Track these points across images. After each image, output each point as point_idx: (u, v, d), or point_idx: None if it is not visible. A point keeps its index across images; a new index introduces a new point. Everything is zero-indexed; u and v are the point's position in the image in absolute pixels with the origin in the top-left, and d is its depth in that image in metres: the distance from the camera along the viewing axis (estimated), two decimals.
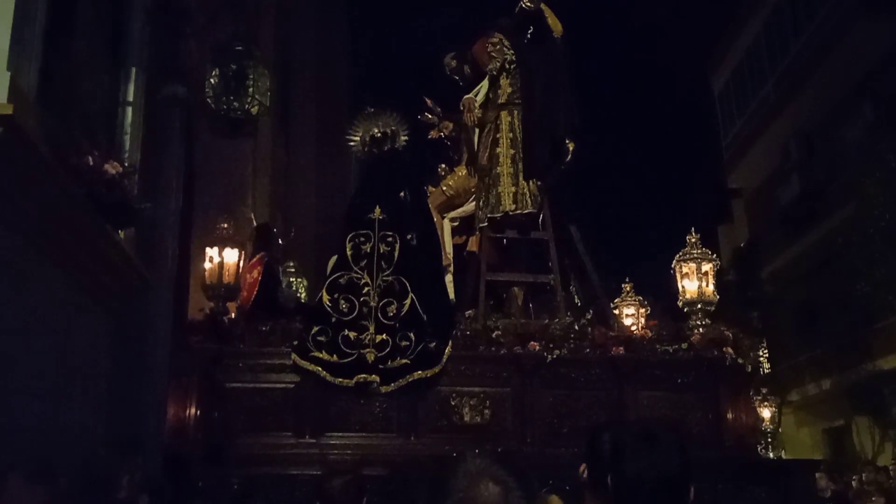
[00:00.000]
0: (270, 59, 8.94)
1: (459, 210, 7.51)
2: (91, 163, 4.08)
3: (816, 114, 16.15)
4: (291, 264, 9.11)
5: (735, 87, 20.39)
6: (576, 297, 7.44)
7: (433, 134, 7.92)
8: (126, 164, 4.58)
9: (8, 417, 3.39)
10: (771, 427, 15.43)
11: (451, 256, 7.28)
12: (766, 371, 17.54)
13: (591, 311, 6.67)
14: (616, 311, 7.73)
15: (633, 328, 7.03)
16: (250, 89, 6.03)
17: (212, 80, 5.98)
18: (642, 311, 7.82)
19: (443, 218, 7.40)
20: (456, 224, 7.55)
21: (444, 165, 7.79)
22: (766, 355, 17.54)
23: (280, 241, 7.60)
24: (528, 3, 7.26)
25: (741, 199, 20.92)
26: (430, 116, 7.90)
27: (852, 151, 14.65)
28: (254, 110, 6.12)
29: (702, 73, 22.44)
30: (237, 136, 6.71)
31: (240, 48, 5.98)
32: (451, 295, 7.03)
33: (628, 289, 7.95)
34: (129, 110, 5.26)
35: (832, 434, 15.97)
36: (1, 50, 3.45)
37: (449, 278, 7.13)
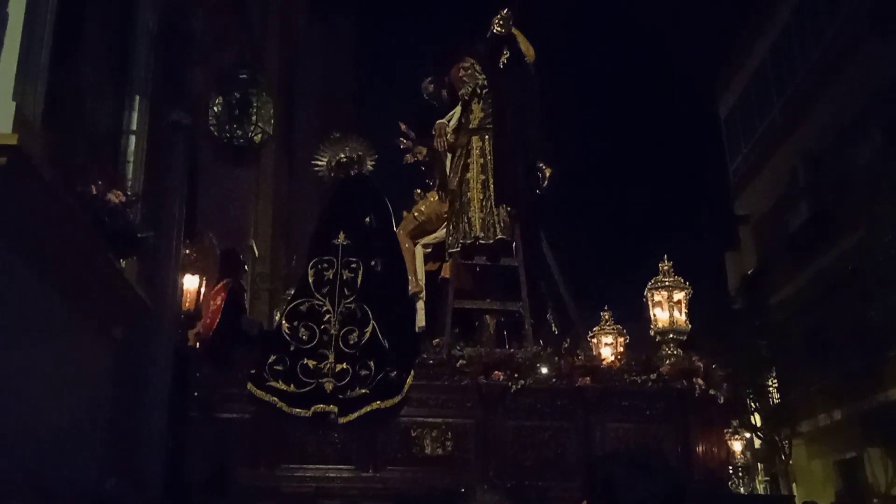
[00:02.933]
0: (275, 86, 9.04)
1: (432, 236, 7.50)
2: (95, 191, 4.13)
3: (824, 137, 16.22)
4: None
5: (742, 111, 20.52)
6: (553, 325, 7.40)
7: (408, 158, 7.96)
8: (129, 193, 4.63)
9: (10, 445, 3.40)
10: (742, 460, 15.34)
11: (423, 283, 7.25)
12: (776, 401, 17.45)
13: (567, 340, 6.61)
14: (594, 340, 7.67)
15: (612, 357, 6.98)
16: (254, 117, 6.10)
17: (215, 108, 6.05)
18: (621, 339, 7.77)
19: (415, 244, 7.39)
20: (429, 251, 7.53)
21: (419, 190, 7.80)
22: (776, 385, 17.46)
23: (246, 268, 7.57)
24: (500, 28, 7.29)
25: (748, 225, 20.94)
26: (404, 141, 7.95)
27: (861, 175, 14.69)
28: (257, 138, 6.18)
29: (708, 97, 22.61)
30: (240, 163, 6.77)
31: (244, 75, 6.06)
32: (423, 323, 7.00)
33: (607, 317, 7.90)
34: (133, 138, 5.32)
35: (844, 466, 15.83)
36: (6, 79, 3.52)
37: (420, 305, 7.12)
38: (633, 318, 8.53)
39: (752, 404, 17.66)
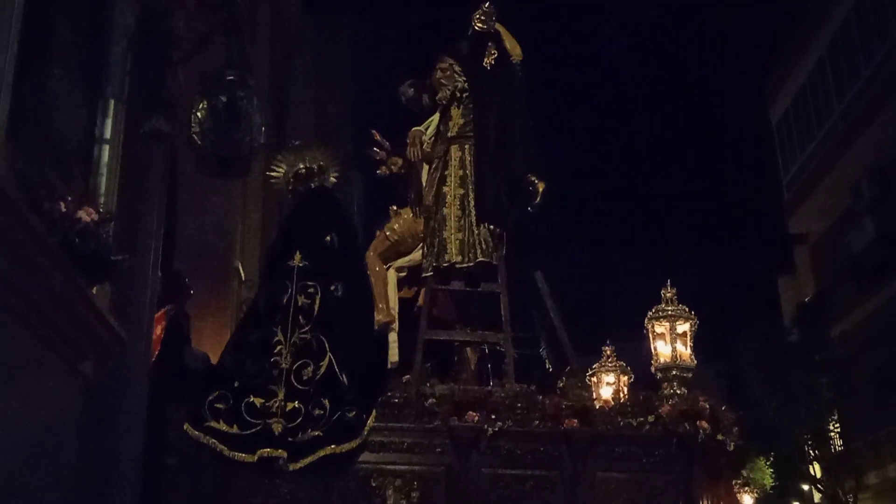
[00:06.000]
0: (265, 89, 9.14)
1: (406, 258, 7.39)
2: (64, 209, 4.18)
3: (891, 146, 16.22)
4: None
5: (796, 116, 20.54)
6: (547, 361, 7.37)
7: (382, 170, 7.93)
8: (102, 210, 4.67)
9: None
10: None
11: (395, 312, 7.16)
12: (839, 449, 17.32)
13: (562, 379, 6.58)
14: (594, 379, 7.65)
15: (608, 398, 6.95)
16: (242, 123, 6.13)
17: (199, 114, 6.09)
18: (624, 378, 7.73)
19: (387, 267, 7.34)
20: (403, 275, 7.43)
21: (394, 207, 7.79)
22: (839, 430, 17.33)
23: (192, 292, 7.57)
24: (481, 24, 7.26)
25: (805, 245, 20.92)
26: (377, 151, 7.98)
27: None
28: (246, 147, 6.22)
29: (758, 99, 22.66)
30: (227, 176, 6.82)
31: (232, 77, 6.09)
32: (395, 357, 6.94)
33: (609, 353, 7.86)
34: (107, 148, 5.37)
35: None
36: None
37: (393, 337, 7.04)
38: None
39: (812, 452, 17.55)
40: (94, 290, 4.79)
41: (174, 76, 6.07)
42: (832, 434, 17.47)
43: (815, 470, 17.75)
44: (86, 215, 4.36)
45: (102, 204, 4.93)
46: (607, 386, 7.56)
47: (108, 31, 5.46)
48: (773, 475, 19.95)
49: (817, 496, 18.44)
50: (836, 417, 17.45)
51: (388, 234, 7.44)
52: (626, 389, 7.54)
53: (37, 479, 4.26)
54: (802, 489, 19.27)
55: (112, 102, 5.42)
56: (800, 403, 16.70)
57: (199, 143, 6.20)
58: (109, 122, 5.41)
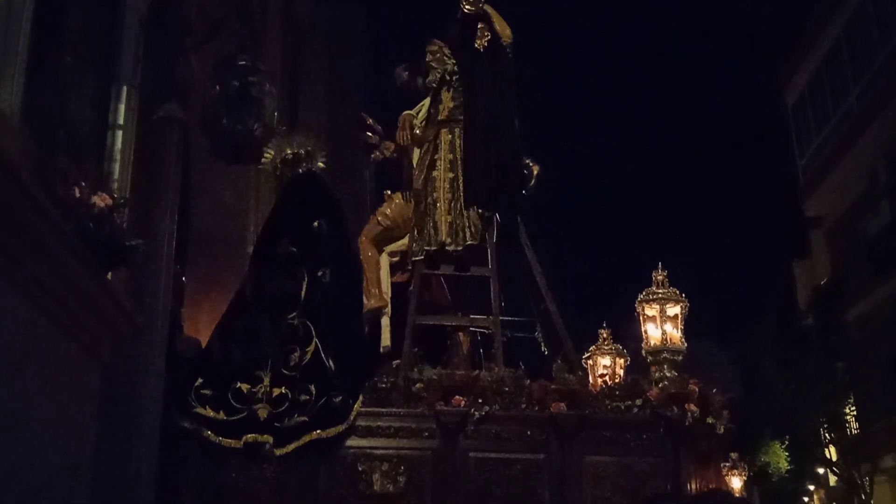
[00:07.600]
0: (277, 73, 9.12)
1: (399, 243, 7.40)
2: (79, 194, 4.20)
3: None
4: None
5: (812, 98, 20.40)
6: (542, 345, 7.36)
7: (375, 155, 7.96)
8: (116, 195, 4.69)
9: None
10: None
11: (388, 297, 7.20)
12: (855, 432, 17.28)
13: (558, 362, 6.57)
14: (590, 362, 7.63)
15: (600, 381, 6.93)
16: (255, 109, 6.14)
17: (212, 99, 6.11)
18: (620, 361, 7.69)
19: (380, 252, 7.36)
20: (396, 259, 7.46)
21: (388, 192, 7.76)
22: (854, 414, 17.28)
23: (184, 279, 7.59)
24: (469, 6, 7.26)
25: (821, 229, 20.78)
26: (370, 136, 7.95)
27: None
28: (258, 132, 6.23)
29: (773, 84, 22.49)
30: (239, 161, 6.83)
31: (244, 63, 6.10)
32: (388, 342, 6.98)
33: (605, 335, 7.81)
34: (120, 133, 5.38)
35: None
36: None
37: (386, 322, 7.09)
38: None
39: (827, 436, 17.52)
40: (109, 276, 4.81)
41: (187, 62, 6.07)
42: (848, 418, 17.43)
43: (831, 453, 17.72)
44: (100, 201, 4.38)
45: (116, 189, 4.95)
46: (604, 369, 7.53)
47: (121, 17, 5.46)
48: (789, 459, 19.92)
49: (833, 479, 18.43)
50: (851, 401, 17.41)
51: (379, 218, 7.42)
52: (621, 373, 7.50)
53: (55, 465, 4.28)
54: (818, 473, 19.25)
55: (125, 88, 5.43)
56: (815, 388, 16.66)
57: (212, 128, 6.22)
58: (122, 107, 5.42)
